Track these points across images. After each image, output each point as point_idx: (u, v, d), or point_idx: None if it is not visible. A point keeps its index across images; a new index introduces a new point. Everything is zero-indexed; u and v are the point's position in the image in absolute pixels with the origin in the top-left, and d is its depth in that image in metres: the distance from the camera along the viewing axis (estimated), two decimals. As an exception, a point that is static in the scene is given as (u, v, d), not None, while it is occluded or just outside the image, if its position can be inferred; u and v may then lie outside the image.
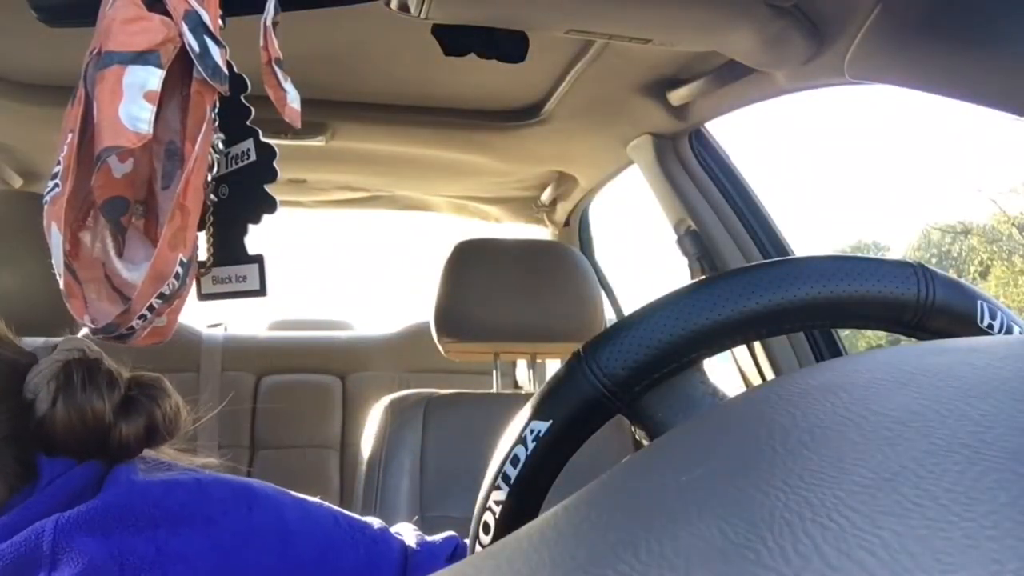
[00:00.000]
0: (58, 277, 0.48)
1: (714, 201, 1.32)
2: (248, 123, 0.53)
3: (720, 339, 0.35)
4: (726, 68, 1.07)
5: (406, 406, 1.25)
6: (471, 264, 1.28)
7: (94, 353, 0.55)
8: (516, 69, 0.92)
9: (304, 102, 0.51)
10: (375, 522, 0.62)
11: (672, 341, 0.35)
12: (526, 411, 0.37)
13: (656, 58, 1.11)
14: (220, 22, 0.48)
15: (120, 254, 0.52)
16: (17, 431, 0.52)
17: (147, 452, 0.57)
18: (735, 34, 0.85)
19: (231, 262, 0.55)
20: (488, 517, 0.37)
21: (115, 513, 0.50)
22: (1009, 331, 0.38)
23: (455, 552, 0.63)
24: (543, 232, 1.97)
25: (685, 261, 1.39)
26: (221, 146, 0.52)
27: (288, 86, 0.50)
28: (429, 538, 0.64)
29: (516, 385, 2.12)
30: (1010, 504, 0.14)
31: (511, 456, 0.36)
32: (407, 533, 0.64)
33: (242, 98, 0.52)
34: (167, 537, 0.50)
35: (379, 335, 2.31)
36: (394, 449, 1.21)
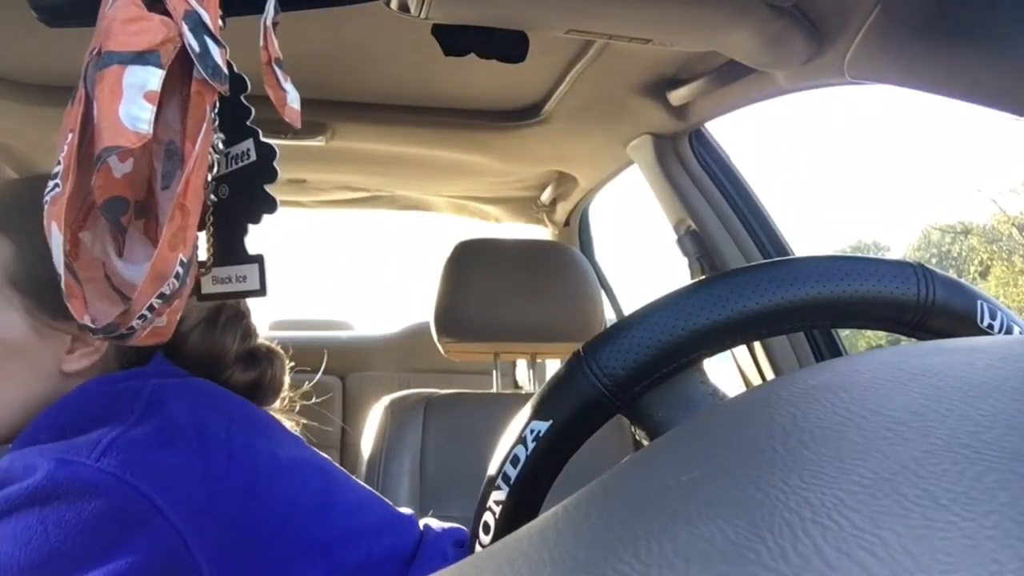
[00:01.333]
0: (59, 277, 0.48)
1: (714, 201, 1.32)
2: (248, 123, 0.53)
3: (720, 339, 0.35)
4: (726, 68, 1.07)
5: (406, 406, 1.25)
6: (471, 264, 1.28)
7: (244, 307, 0.68)
8: (516, 69, 0.92)
9: (304, 102, 0.51)
10: (404, 509, 0.71)
11: (672, 341, 0.35)
12: (526, 411, 0.37)
13: (656, 58, 1.11)
14: (220, 22, 0.48)
15: (120, 254, 0.52)
16: None
17: None
18: (735, 34, 0.85)
19: (231, 262, 0.55)
20: (488, 517, 0.37)
21: (201, 392, 0.60)
22: (1009, 331, 0.38)
23: (462, 542, 0.68)
24: (543, 232, 1.97)
25: (685, 261, 1.39)
26: (221, 146, 0.52)
27: (288, 86, 0.50)
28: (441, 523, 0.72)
29: (516, 385, 2.12)
30: (1010, 504, 0.14)
31: (511, 456, 0.36)
32: (429, 521, 0.72)
33: (242, 98, 0.52)
34: (237, 429, 0.59)
35: (379, 335, 2.31)
36: (394, 449, 1.21)
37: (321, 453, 0.67)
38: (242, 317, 0.67)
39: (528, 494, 0.37)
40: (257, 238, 0.56)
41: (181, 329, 0.62)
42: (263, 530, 0.56)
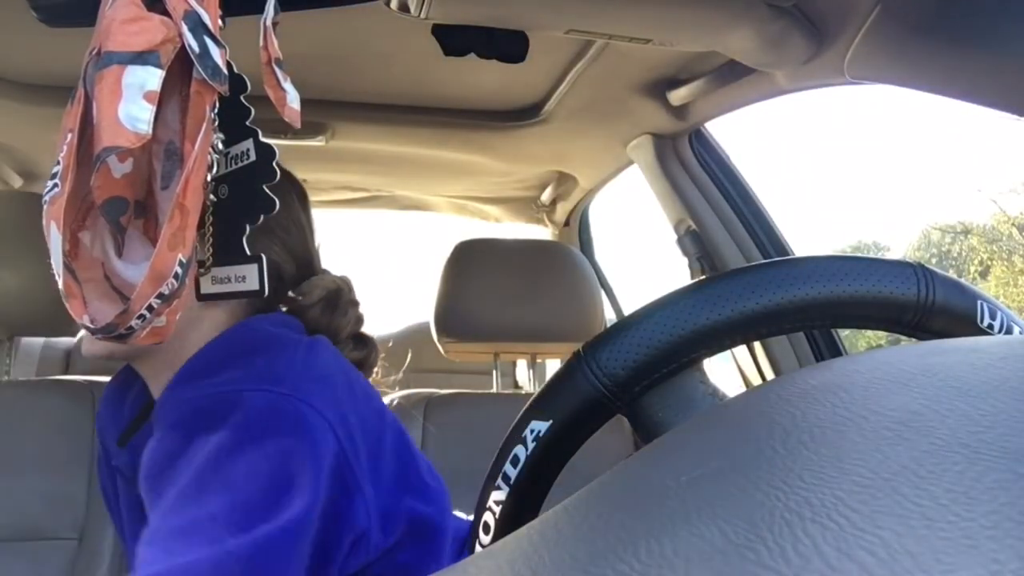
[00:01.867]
0: (57, 277, 0.48)
1: (714, 201, 1.32)
2: (248, 123, 0.53)
3: (720, 339, 0.35)
4: (726, 68, 1.07)
5: (406, 406, 1.25)
6: (471, 264, 1.28)
7: (355, 296, 0.76)
8: (516, 69, 0.92)
9: (304, 102, 0.51)
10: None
11: (672, 341, 0.35)
12: (526, 411, 0.37)
13: (656, 58, 1.11)
14: (220, 22, 0.48)
15: (120, 254, 0.52)
16: (275, 295, 0.68)
17: None
18: (735, 34, 0.85)
19: (231, 262, 0.55)
20: (488, 517, 0.37)
21: (336, 351, 0.67)
22: (1009, 331, 0.38)
23: None
24: (543, 232, 1.97)
25: (685, 261, 1.39)
26: (221, 146, 0.52)
27: (288, 86, 0.50)
28: None
29: (516, 385, 2.12)
30: (1010, 504, 0.14)
31: (511, 456, 0.36)
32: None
33: (242, 98, 0.52)
34: (364, 384, 0.68)
35: (379, 335, 2.31)
36: (394, 449, 1.20)
37: None
38: (357, 304, 0.76)
39: (528, 494, 0.37)
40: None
41: (302, 303, 0.69)
42: (390, 463, 0.63)
